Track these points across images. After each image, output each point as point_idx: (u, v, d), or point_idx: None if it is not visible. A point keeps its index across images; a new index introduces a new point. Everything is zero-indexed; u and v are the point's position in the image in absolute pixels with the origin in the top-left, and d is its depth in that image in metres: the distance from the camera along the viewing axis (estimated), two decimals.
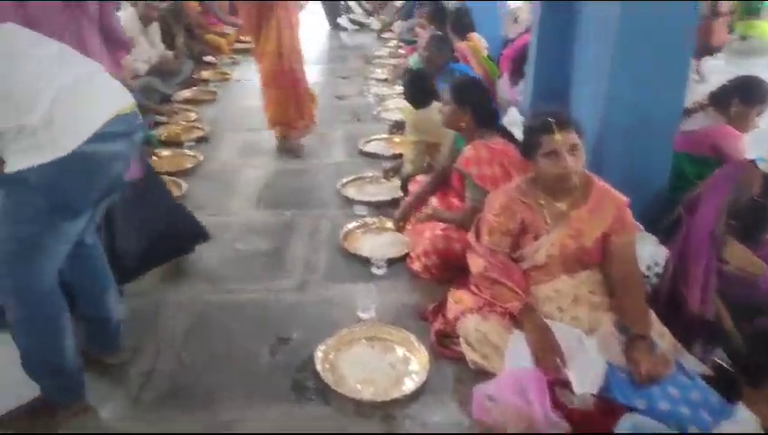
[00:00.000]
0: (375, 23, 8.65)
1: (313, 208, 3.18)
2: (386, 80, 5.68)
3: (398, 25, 7.57)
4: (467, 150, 2.39)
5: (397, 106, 4.85)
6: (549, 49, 2.85)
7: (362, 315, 2.28)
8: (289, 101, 3.82)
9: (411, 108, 4.25)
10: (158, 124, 4.33)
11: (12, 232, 1.58)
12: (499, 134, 2.45)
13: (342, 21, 8.78)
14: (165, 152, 3.85)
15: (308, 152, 3.98)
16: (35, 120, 1.46)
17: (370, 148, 3.99)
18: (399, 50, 6.85)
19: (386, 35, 7.83)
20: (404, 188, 3.10)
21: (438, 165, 2.91)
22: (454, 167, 2.48)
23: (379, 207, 3.16)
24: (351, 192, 3.33)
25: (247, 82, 5.84)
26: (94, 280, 1.92)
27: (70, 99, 1.52)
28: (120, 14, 4.77)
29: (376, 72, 5.97)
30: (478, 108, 2.42)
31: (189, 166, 3.65)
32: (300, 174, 3.65)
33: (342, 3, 8.92)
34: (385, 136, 4.14)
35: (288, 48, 3.70)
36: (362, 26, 8.90)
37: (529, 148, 1.89)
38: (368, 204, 3.16)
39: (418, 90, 3.15)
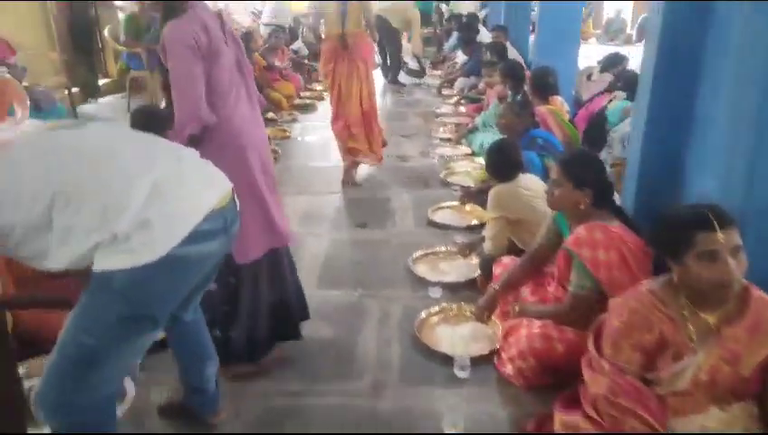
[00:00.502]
0: (432, 79, 8.51)
1: (382, 288, 2.88)
2: (449, 139, 5.43)
3: (461, 82, 7.39)
4: (580, 231, 2.05)
5: (464, 169, 4.58)
6: (663, 111, 2.44)
7: (450, 432, 1.92)
8: (362, 137, 4.36)
9: (483, 173, 3.99)
10: None
11: (76, 337, 1.40)
12: (617, 216, 2.11)
13: (401, 76, 8.72)
14: None
15: (373, 220, 3.72)
16: (127, 224, 1.32)
17: (440, 217, 3.69)
18: (460, 107, 6.64)
19: (446, 92, 7.65)
20: (485, 268, 2.77)
21: (530, 247, 2.57)
22: (562, 247, 2.14)
23: (456, 290, 2.83)
24: (423, 270, 3.02)
25: (308, 141, 5.71)
26: (194, 354, 1.88)
27: (162, 196, 1.37)
28: None
29: (438, 131, 5.75)
30: (599, 188, 2.09)
31: None
32: (365, 245, 3.37)
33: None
34: (455, 204, 3.84)
35: (366, 93, 4.29)
36: (418, 76, 8.77)
37: (675, 246, 1.53)
38: (442, 285, 2.84)
39: (503, 162, 2.85)
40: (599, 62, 6.06)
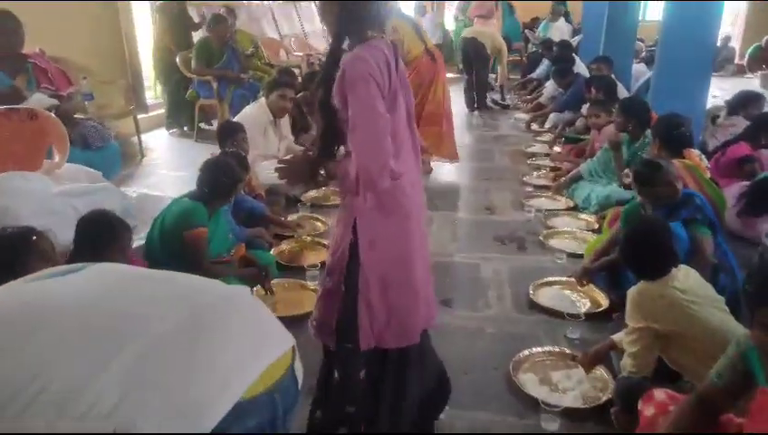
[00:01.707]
0: (521, 113, 7.74)
1: (476, 407, 2.19)
2: (546, 187, 4.68)
3: (555, 118, 6.59)
4: None
5: (568, 228, 3.82)
6: None
7: None
8: (443, 135, 5.02)
9: (597, 240, 3.23)
10: (278, 237, 3.64)
11: None
12: None
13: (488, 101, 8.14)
14: (282, 286, 3.06)
15: (459, 295, 3.04)
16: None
17: (546, 298, 2.95)
18: (556, 147, 5.85)
19: (536, 127, 6.87)
20: (625, 398, 2.01)
21: (689, 371, 1.83)
22: None
23: (579, 419, 2.10)
24: (530, 382, 2.30)
25: None
26: None
27: (149, 382, 0.85)
28: (249, 107, 4.28)
29: (532, 176, 5.00)
30: None
31: (309, 309, 2.83)
32: (451, 335, 2.67)
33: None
34: (562, 279, 3.10)
35: (446, 98, 5.03)
36: (502, 108, 8.11)
37: None
38: (560, 413, 2.11)
39: (652, 254, 2.07)
40: (726, 102, 5.16)
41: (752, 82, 10.29)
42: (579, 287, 2.94)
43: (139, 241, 2.74)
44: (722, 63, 11.89)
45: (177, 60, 5.97)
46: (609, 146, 4.08)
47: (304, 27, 10.00)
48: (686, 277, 2.09)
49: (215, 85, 5.78)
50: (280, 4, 10.08)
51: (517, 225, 4.00)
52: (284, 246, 3.52)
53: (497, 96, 8.44)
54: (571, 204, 4.26)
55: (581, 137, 5.59)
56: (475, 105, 7.91)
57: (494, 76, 9.03)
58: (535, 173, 5.07)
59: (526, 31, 11.08)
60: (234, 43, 6.19)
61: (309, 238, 3.62)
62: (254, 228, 3.33)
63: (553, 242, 3.63)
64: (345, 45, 1.61)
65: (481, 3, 8.49)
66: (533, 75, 9.31)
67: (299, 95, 5.44)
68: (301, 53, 8.60)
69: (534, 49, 10.48)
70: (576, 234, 3.74)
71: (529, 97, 8.54)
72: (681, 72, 4.49)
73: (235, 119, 4.25)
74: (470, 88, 7.99)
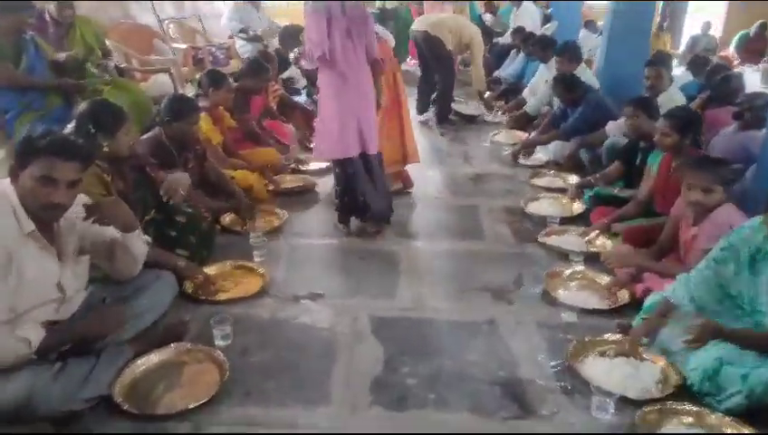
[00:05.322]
0: (500, 132, 5.56)
1: None
2: (599, 312, 2.54)
3: (555, 149, 4.51)
4: None
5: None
6: None
7: None
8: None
9: None
10: None
11: None
12: None
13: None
14: None
15: None
16: None
17: None
18: (575, 205, 3.74)
19: (525, 159, 4.73)
20: None
21: None
22: None
23: None
24: None
25: (300, 318, 2.60)
26: None
27: None
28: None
29: (561, 278, 2.85)
30: None
31: None
32: None
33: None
34: None
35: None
36: (471, 121, 5.97)
37: None
38: None
39: None
40: None
41: (751, 77, 8.64)
42: None
43: None
44: (702, 56, 10.26)
45: None
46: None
47: (198, 8, 7.47)
48: None
49: None
50: None
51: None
52: None
53: (470, 108, 6.20)
54: (674, 377, 2.12)
55: (619, 194, 3.49)
56: (437, 118, 5.74)
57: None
58: (566, 271, 2.91)
59: (485, 15, 8.95)
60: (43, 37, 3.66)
61: None
62: None
63: None
64: None
65: None
66: (501, 74, 7.24)
67: (149, 135, 3.07)
68: (184, 46, 6.07)
69: (498, 39, 8.39)
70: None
71: (503, 105, 6.42)
72: None
73: None
74: (425, 91, 5.85)
